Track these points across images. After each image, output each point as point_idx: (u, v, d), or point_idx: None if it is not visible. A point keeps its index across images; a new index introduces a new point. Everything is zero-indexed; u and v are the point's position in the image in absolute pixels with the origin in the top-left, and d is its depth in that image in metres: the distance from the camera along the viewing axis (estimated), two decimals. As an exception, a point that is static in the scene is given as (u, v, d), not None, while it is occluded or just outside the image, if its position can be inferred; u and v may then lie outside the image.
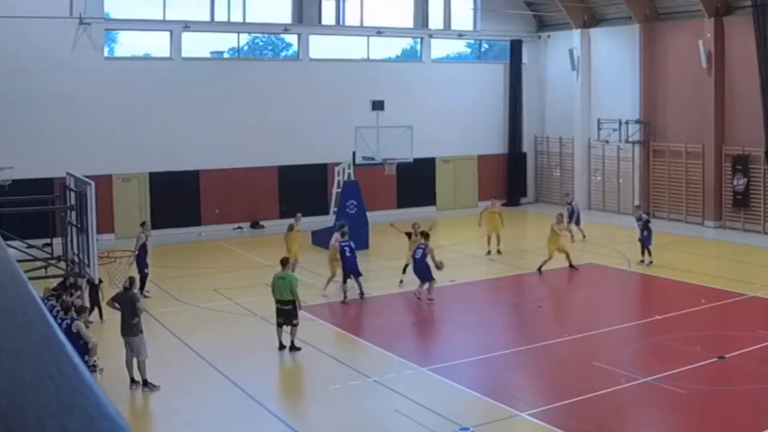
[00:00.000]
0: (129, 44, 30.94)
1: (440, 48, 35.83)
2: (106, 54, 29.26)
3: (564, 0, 33.69)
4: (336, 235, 21.49)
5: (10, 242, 16.19)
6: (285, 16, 32.33)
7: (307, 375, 15.83)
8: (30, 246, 18.91)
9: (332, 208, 27.25)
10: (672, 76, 31.09)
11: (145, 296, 19.83)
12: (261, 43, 33.49)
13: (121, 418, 0.84)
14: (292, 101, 31.47)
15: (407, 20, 34.75)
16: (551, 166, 36.92)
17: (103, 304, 17.10)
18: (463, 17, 35.66)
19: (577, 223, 27.61)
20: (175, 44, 29.99)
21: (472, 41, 37.17)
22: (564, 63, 34.98)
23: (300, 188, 31.02)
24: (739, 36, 28.43)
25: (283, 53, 33.61)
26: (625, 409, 13.59)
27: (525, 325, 19.12)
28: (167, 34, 29.97)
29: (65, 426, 0.77)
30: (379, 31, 33.47)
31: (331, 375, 15.20)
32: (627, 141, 32.12)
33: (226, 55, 32.35)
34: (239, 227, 30.70)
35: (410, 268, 20.99)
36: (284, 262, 17.10)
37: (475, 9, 35.60)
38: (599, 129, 33.04)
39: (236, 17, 31.08)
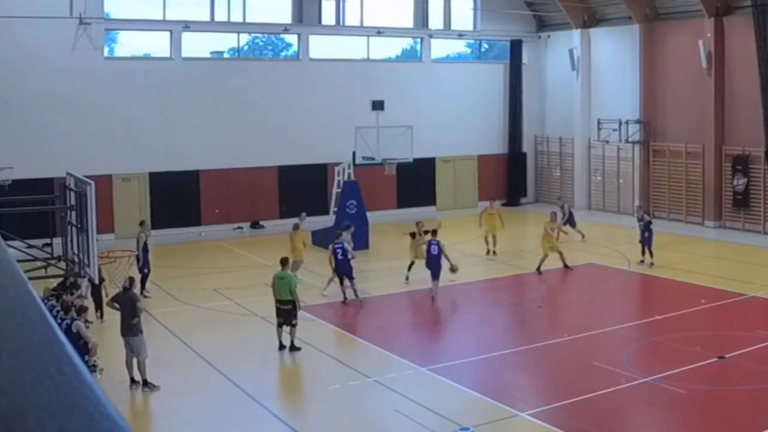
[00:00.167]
0: (129, 44, 30.94)
1: (440, 48, 35.83)
2: (106, 54, 29.26)
3: (564, 0, 33.69)
4: (344, 235, 21.78)
5: (10, 242, 16.17)
6: (285, 16, 32.33)
7: (307, 375, 15.83)
8: (30, 246, 18.86)
9: (332, 208, 27.26)
10: (672, 76, 31.09)
11: (145, 296, 19.84)
12: (261, 43, 33.49)
13: (121, 418, 0.84)
14: (292, 101, 31.47)
15: (407, 20, 34.75)
16: (551, 166, 36.92)
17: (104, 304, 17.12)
18: (463, 17, 35.66)
19: (573, 224, 27.57)
20: (175, 44, 29.99)
21: (472, 41, 37.17)
22: (564, 63, 34.98)
23: (300, 188, 31.02)
24: (739, 36, 28.43)
25: (283, 53, 33.61)
26: (625, 409, 13.59)
27: (525, 325, 19.12)
28: (167, 34, 29.97)
29: (65, 426, 0.77)
30: (379, 31, 33.47)
31: (331, 375, 15.21)
32: (627, 141, 32.12)
33: (226, 55, 32.35)
34: (239, 227, 30.70)
35: (414, 266, 21.40)
36: (284, 262, 17.09)
37: (475, 9, 35.59)
38: (599, 129, 33.04)
39: (236, 17, 31.08)
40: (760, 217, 28.67)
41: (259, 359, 16.06)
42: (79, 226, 15.90)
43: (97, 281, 17.35)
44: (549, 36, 36.84)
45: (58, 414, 0.78)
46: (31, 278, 15.02)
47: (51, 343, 0.86)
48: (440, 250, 20.27)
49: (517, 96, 36.59)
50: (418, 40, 35.06)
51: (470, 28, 36.00)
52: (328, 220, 26.64)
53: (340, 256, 19.75)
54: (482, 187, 35.69)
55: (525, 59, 36.88)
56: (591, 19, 34.47)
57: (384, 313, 20.01)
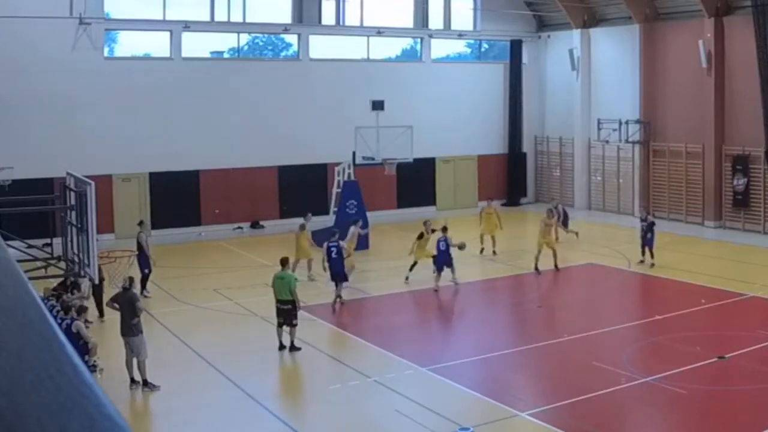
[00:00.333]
0: (129, 44, 30.94)
1: (440, 48, 35.83)
2: (106, 54, 29.26)
3: (564, 0, 33.69)
4: (353, 229, 21.89)
5: (10, 242, 16.18)
6: (285, 16, 32.33)
7: (307, 375, 15.83)
8: (30, 246, 18.88)
9: (332, 208, 27.25)
10: (672, 76, 31.09)
11: (145, 296, 19.84)
12: (261, 43, 33.49)
13: (121, 418, 0.84)
14: (292, 101, 31.47)
15: (407, 20, 34.75)
16: (551, 166, 36.91)
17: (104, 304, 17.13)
18: (463, 17, 35.66)
19: (565, 225, 27.54)
20: (175, 44, 29.99)
21: (472, 41, 37.17)
22: (564, 63, 34.99)
23: (300, 188, 31.02)
24: (739, 36, 28.43)
25: (283, 53, 33.61)
26: (625, 409, 13.59)
27: (525, 325, 19.12)
28: (167, 34, 29.97)
29: (65, 426, 0.77)
30: (379, 31, 33.47)
31: (331, 375, 15.21)
32: (627, 141, 32.12)
33: (226, 55, 32.35)
34: (239, 227, 30.70)
35: (416, 266, 21.67)
36: (284, 262, 17.08)
37: (475, 9, 35.59)
38: (599, 129, 33.04)
39: (236, 17, 31.08)
40: (760, 217, 28.67)
41: (259, 359, 16.06)
42: (79, 226, 15.91)
43: (97, 281, 17.36)
44: (549, 36, 36.84)
45: (58, 414, 0.78)
46: (31, 278, 15.01)
47: (51, 343, 0.86)
48: (447, 246, 21.02)
49: (517, 96, 36.59)
50: (418, 40, 35.06)
51: (470, 28, 36.00)
52: (328, 220, 26.63)
53: (334, 255, 19.63)
54: (482, 187, 35.69)
55: (525, 59, 36.88)
56: (591, 19, 34.47)
57: (384, 313, 20.01)
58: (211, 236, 29.21)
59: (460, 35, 35.85)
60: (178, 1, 30.37)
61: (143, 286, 20.35)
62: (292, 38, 32.83)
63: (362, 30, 33.36)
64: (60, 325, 12.68)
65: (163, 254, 23.13)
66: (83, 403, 0.81)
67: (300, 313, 16.50)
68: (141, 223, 22.07)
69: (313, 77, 32.03)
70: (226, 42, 32.14)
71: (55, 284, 17.26)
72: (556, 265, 23.01)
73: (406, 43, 35.60)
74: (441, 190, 35.17)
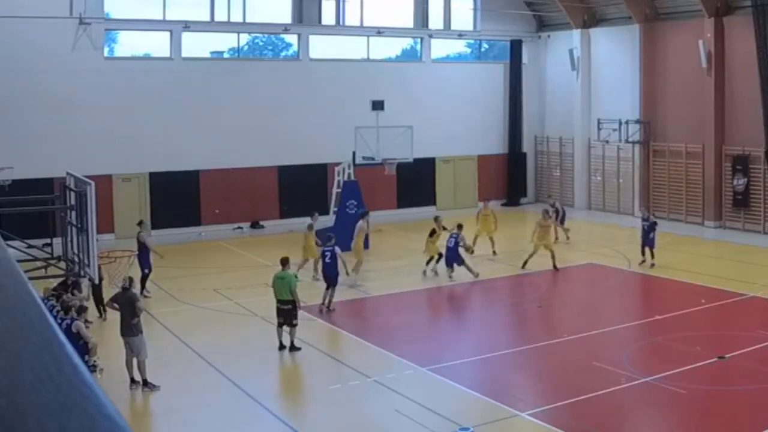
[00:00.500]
0: (129, 44, 30.95)
1: (440, 48, 35.83)
2: (106, 54, 29.26)
3: (564, 0, 33.69)
4: (361, 223, 21.94)
5: (10, 242, 16.19)
6: (285, 16, 32.33)
7: (307, 375, 15.83)
8: (30, 246, 18.91)
9: (332, 208, 27.25)
10: (672, 76, 31.09)
11: (145, 296, 19.84)
12: (261, 43, 33.49)
13: (121, 418, 0.84)
14: (292, 101, 31.48)
15: (407, 20, 34.75)
16: (551, 166, 36.91)
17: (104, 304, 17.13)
18: (463, 17, 35.66)
19: (562, 222, 27.54)
20: (175, 44, 29.99)
21: (472, 41, 37.17)
22: (564, 63, 34.99)
23: (300, 188, 31.02)
24: (739, 36, 28.43)
25: (283, 53, 33.61)
26: (625, 409, 13.59)
27: (525, 325, 19.12)
28: (167, 34, 29.97)
29: (65, 426, 0.77)
30: (379, 31, 33.47)
31: (331, 375, 15.21)
32: (627, 141, 32.12)
33: (226, 55, 32.35)
34: (239, 227, 30.70)
35: (432, 261, 22.23)
36: (284, 262, 17.06)
37: (475, 9, 35.60)
38: (599, 129, 33.04)
39: (236, 17, 31.08)
40: (760, 217, 28.67)
41: (259, 359, 16.06)
42: (79, 226, 15.93)
43: (97, 281, 17.37)
44: (549, 36, 36.84)
45: (58, 414, 0.78)
46: (31, 278, 15.03)
47: (51, 343, 0.86)
48: (456, 243, 21.61)
49: (517, 96, 36.59)
50: (418, 40, 35.06)
51: (470, 28, 36.00)
52: (328, 220, 26.62)
53: (327, 260, 19.33)
54: (482, 187, 35.69)
55: (525, 59, 36.88)
56: (591, 19, 34.48)
57: (384, 313, 20.01)
58: (211, 236, 29.21)
59: (460, 35, 35.85)
60: (178, 1, 30.37)
61: (143, 286, 20.35)
62: (292, 38, 32.84)
63: (362, 30, 33.36)
64: (60, 325, 12.68)
65: (164, 253, 23.07)
66: (83, 403, 0.81)
67: (300, 313, 16.51)
68: (141, 223, 22.07)
69: (313, 77, 32.03)
70: (226, 42, 32.14)
71: (55, 284, 17.26)
72: (554, 266, 22.99)
73: (406, 43, 35.60)
74: (441, 190, 35.17)
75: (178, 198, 29.61)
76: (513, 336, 18.24)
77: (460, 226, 22.27)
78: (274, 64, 32.62)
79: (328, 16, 32.92)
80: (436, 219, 23.26)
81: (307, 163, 31.52)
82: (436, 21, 35.07)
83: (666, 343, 16.58)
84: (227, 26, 31.23)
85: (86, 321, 14.63)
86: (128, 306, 14.57)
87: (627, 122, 31.99)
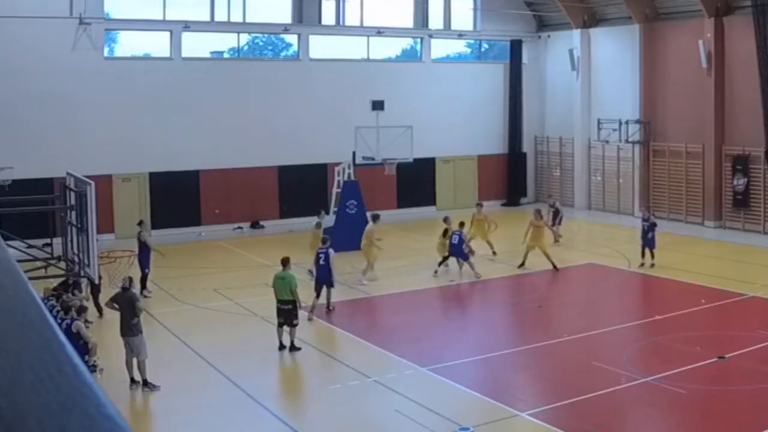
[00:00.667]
0: (129, 44, 30.95)
1: (440, 48, 35.83)
2: (106, 54, 29.27)
3: (564, 0, 33.69)
4: (370, 225, 22.04)
5: (10, 242, 16.19)
6: (285, 16, 32.33)
7: (307, 375, 15.83)
8: (30, 246, 18.91)
9: (332, 208, 27.25)
10: (672, 76, 31.09)
11: (146, 296, 19.84)
12: (261, 43, 33.49)
13: (121, 418, 0.84)
14: (292, 101, 31.48)
15: (407, 20, 34.75)
16: (551, 166, 36.92)
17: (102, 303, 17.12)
18: (463, 17, 35.66)
19: (559, 223, 27.50)
20: (175, 44, 29.99)
21: (472, 41, 37.17)
22: (564, 63, 34.99)
23: (300, 188, 31.03)
24: (739, 36, 28.43)
25: (283, 53, 33.61)
26: (625, 409, 13.59)
27: (525, 325, 19.12)
28: (167, 34, 29.97)
29: (65, 426, 0.77)
30: (379, 31, 33.47)
31: (331, 375, 15.22)
32: (627, 141, 32.12)
33: (226, 55, 32.35)
34: (239, 227, 30.70)
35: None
36: (285, 262, 17.04)
37: (475, 9, 35.60)
38: (599, 129, 33.04)
39: (236, 17, 31.08)
40: (760, 217, 28.67)
41: (259, 359, 16.06)
42: (79, 226, 15.92)
43: (96, 281, 17.36)
44: (549, 36, 36.84)
45: (58, 414, 0.78)
46: (31, 278, 15.01)
47: (51, 343, 0.86)
48: (461, 240, 22.27)
49: (517, 96, 36.59)
50: (418, 40, 35.06)
51: (470, 28, 36.01)
52: (328, 221, 26.62)
53: (322, 262, 19.01)
54: (482, 187, 35.71)
55: (525, 59, 36.88)
56: (591, 19, 34.48)
57: (384, 313, 20.02)
58: (211, 236, 29.21)
59: (460, 35, 35.85)
60: (178, 1, 30.38)
61: (143, 286, 20.35)
62: (292, 38, 32.84)
63: (362, 30, 33.36)
64: (60, 325, 12.68)
65: (164, 253, 23.08)
66: (83, 403, 0.81)
67: (300, 313, 16.50)
68: (141, 223, 22.08)
69: (313, 77, 32.03)
70: (226, 42, 32.14)
71: (55, 284, 17.27)
72: (554, 266, 22.98)
73: (406, 43, 35.60)
74: (441, 190, 35.17)
75: (178, 198, 29.61)
76: (513, 336, 18.24)
77: (462, 224, 22.84)
78: (274, 64, 32.62)
79: (328, 16, 32.92)
80: (445, 219, 23.55)
81: (307, 163, 31.52)
82: (436, 21, 35.08)
83: (666, 343, 16.58)
84: (227, 26, 31.23)
85: (86, 321, 14.63)
86: (128, 306, 14.57)
87: (627, 122, 31.99)
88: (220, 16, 30.78)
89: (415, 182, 33.24)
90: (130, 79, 28.87)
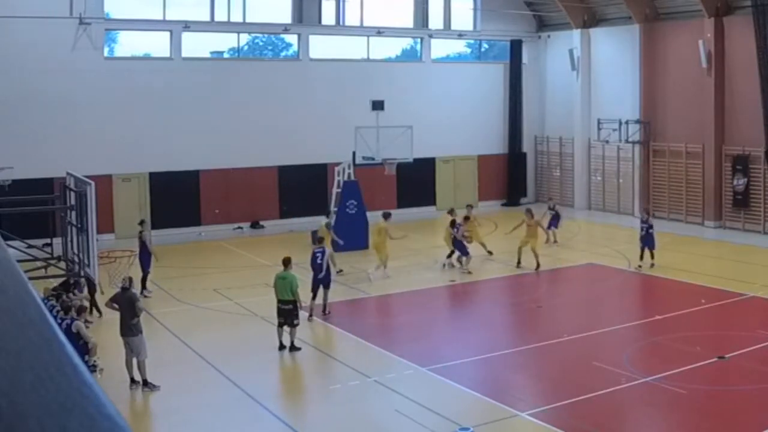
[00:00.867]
0: (129, 44, 30.95)
1: (440, 48, 35.83)
2: (106, 54, 29.27)
3: (564, 0, 33.69)
4: (383, 223, 22.66)
5: (10, 242, 16.19)
6: (285, 16, 32.33)
7: (307, 375, 15.83)
8: (30, 246, 18.92)
9: (332, 208, 27.25)
10: (672, 76, 31.10)
11: (146, 296, 19.84)
12: (261, 43, 33.49)
13: (121, 418, 0.84)
14: (292, 101, 31.48)
15: (407, 20, 34.75)
16: (551, 166, 36.92)
17: (100, 303, 17.11)
18: (463, 17, 35.66)
19: (555, 225, 27.48)
20: (175, 44, 29.99)
21: (472, 41, 37.17)
22: (564, 63, 34.99)
23: (300, 188, 31.03)
24: (739, 36, 28.43)
25: (283, 53, 33.61)
26: (625, 409, 13.59)
27: (525, 325, 19.12)
28: (167, 34, 29.97)
29: (65, 426, 0.77)
30: (379, 31, 33.47)
31: (331, 375, 15.22)
32: (627, 141, 32.12)
33: (226, 55, 32.35)
34: (239, 227, 30.70)
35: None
36: (286, 261, 17.03)
37: (475, 9, 35.60)
38: (599, 129, 33.04)
39: (236, 17, 31.08)
40: (760, 217, 28.67)
41: (259, 359, 16.06)
42: (79, 226, 15.93)
43: (96, 281, 17.36)
44: (549, 36, 36.84)
45: (58, 414, 0.78)
46: (31, 278, 15.01)
47: (51, 343, 0.85)
48: (459, 231, 23.07)
49: (517, 96, 36.59)
50: (418, 40, 35.06)
51: (470, 28, 36.01)
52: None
53: (318, 261, 18.80)
54: (482, 187, 35.72)
55: (525, 59, 36.88)
56: (591, 19, 34.48)
57: (384, 313, 20.02)
58: (211, 236, 29.21)
59: (460, 35, 35.85)
60: (178, 1, 30.38)
61: (143, 286, 20.35)
62: (292, 38, 32.84)
63: (362, 30, 33.36)
64: (60, 325, 12.68)
65: (163, 254, 23.12)
66: (83, 403, 0.81)
67: (301, 313, 16.50)
68: (142, 223, 22.07)
69: (313, 77, 32.03)
70: (226, 42, 32.14)
71: (55, 284, 17.27)
72: (537, 265, 22.98)
73: (406, 43, 35.60)
74: (441, 190, 35.16)
75: (178, 198, 29.61)
76: (513, 336, 18.25)
77: (466, 218, 23.69)
78: (274, 64, 32.62)
79: (328, 16, 32.92)
80: (450, 211, 24.31)
81: (307, 163, 31.52)
82: (436, 21, 35.08)
83: (666, 343, 16.58)
84: (227, 26, 31.23)
85: (86, 321, 14.63)
86: (128, 306, 14.57)
87: (627, 122, 31.99)
88: (220, 16, 30.79)
89: (415, 182, 33.24)
90: (130, 79, 28.87)
